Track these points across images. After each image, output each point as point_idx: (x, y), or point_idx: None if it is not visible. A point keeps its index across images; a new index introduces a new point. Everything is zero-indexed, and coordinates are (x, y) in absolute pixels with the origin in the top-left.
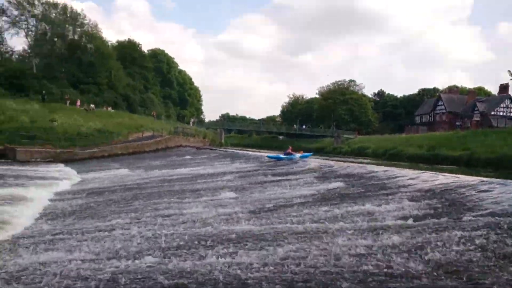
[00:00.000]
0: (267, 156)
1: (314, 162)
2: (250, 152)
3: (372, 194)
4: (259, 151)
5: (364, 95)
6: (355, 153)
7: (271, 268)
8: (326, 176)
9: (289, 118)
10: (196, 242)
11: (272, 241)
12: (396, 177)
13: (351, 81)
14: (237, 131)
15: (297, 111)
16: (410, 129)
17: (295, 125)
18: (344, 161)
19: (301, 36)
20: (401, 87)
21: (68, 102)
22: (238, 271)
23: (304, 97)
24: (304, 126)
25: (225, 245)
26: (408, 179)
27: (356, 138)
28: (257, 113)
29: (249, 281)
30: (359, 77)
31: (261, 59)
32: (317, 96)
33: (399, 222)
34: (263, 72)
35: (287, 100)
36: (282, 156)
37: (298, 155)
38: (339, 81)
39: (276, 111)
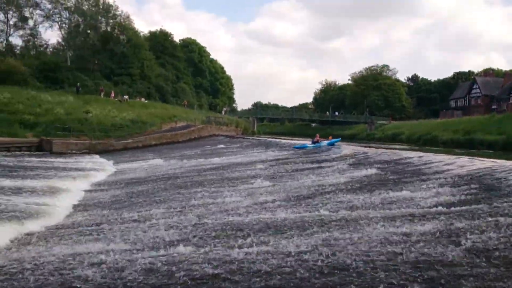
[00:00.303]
0: (294, 147)
1: (347, 149)
2: (283, 140)
3: (408, 181)
4: (292, 139)
5: (398, 80)
6: (388, 139)
7: (307, 256)
8: (360, 163)
9: (321, 105)
10: (231, 231)
11: (307, 229)
12: (431, 162)
13: (384, 66)
14: (270, 120)
15: (329, 97)
16: (445, 113)
17: (327, 112)
18: (378, 148)
19: (332, 22)
20: (435, 71)
21: (102, 93)
22: (274, 260)
23: (337, 83)
24: (336, 113)
25: (260, 234)
26: (444, 165)
27: (390, 124)
28: (289, 100)
29: (285, 269)
30: (392, 61)
31: (292, 45)
32: (349, 82)
33: (436, 208)
34: (295, 59)
35: (319, 87)
36: (308, 144)
37: (325, 142)
38: (371, 66)
39: (308, 98)
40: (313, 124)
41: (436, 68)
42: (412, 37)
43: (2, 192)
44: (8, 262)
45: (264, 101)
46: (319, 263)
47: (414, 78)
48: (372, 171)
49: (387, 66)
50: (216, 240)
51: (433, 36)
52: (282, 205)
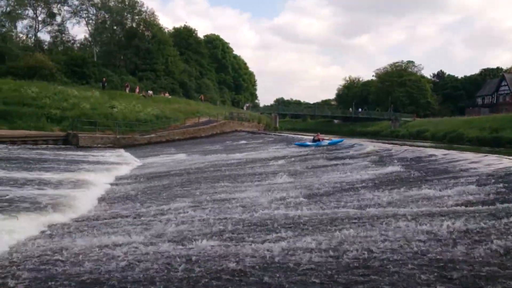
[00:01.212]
0: (295, 144)
1: (370, 145)
2: (305, 137)
3: (432, 178)
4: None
5: (423, 77)
6: (413, 136)
7: (329, 253)
8: (383, 160)
9: (344, 102)
10: (253, 227)
11: (329, 226)
12: (457, 160)
13: (409, 62)
14: (292, 116)
15: (352, 94)
16: (471, 111)
17: (350, 109)
18: (402, 145)
19: (357, 18)
20: (462, 67)
21: (127, 89)
22: (296, 256)
23: (360, 79)
24: (360, 110)
25: (282, 230)
26: (470, 163)
27: (414, 121)
28: (312, 97)
29: (307, 266)
30: (417, 58)
31: (316, 42)
32: (373, 78)
33: (461, 207)
34: (318, 56)
35: (342, 83)
36: (308, 143)
37: (326, 141)
38: (396, 62)
39: (331, 95)
40: (336, 121)
41: (462, 65)
42: (438, 33)
43: (30, 184)
44: (36, 253)
45: (286, 97)
46: (341, 260)
47: (440, 74)
48: (395, 168)
49: (412, 62)
50: (237, 235)
51: (460, 32)
52: (303, 202)
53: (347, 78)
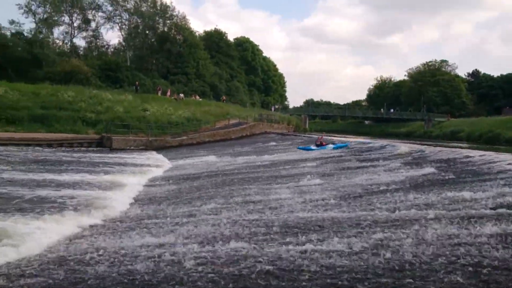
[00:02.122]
0: (298, 148)
1: (403, 147)
2: (335, 138)
3: (468, 180)
4: (345, 137)
5: (457, 76)
6: (447, 137)
7: (360, 256)
8: (416, 161)
9: (376, 102)
10: (283, 229)
11: (360, 229)
12: (493, 162)
13: (442, 61)
14: (322, 117)
15: (384, 94)
16: (509, 111)
17: (382, 109)
18: (436, 146)
19: (389, 16)
20: (498, 66)
21: (159, 92)
22: (326, 259)
23: (392, 79)
24: (392, 110)
25: (312, 232)
26: (507, 164)
27: (448, 121)
28: (342, 98)
29: (337, 269)
30: (451, 57)
31: (347, 42)
32: (405, 78)
33: (498, 210)
34: (349, 56)
35: (373, 83)
36: (313, 147)
37: (331, 145)
38: (429, 61)
39: (362, 95)
40: (367, 122)
41: (499, 63)
42: (473, 30)
43: (66, 185)
44: (71, 252)
45: (316, 99)
46: (372, 263)
47: (475, 73)
48: (429, 170)
49: (446, 61)
50: (268, 237)
51: (496, 29)
52: (333, 204)
53: (379, 78)
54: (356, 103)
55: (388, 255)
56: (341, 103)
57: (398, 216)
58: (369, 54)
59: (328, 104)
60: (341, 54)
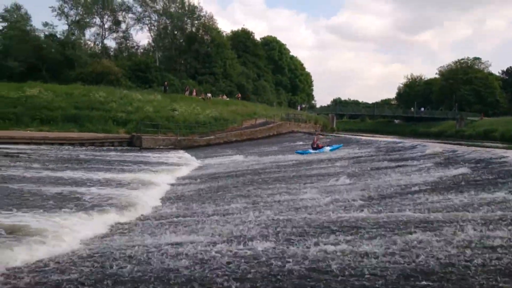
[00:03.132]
0: (295, 152)
1: (434, 146)
2: (364, 137)
3: (503, 181)
4: (374, 136)
5: (491, 74)
6: (480, 136)
7: (390, 258)
8: (448, 161)
9: (405, 101)
10: (309, 229)
11: (390, 230)
12: None
13: (475, 58)
14: (349, 116)
15: (414, 93)
16: None
17: (412, 108)
18: (469, 145)
19: (420, 13)
20: None
21: (187, 92)
22: (354, 260)
23: (423, 77)
24: (422, 109)
25: (340, 232)
26: None
27: (482, 120)
28: (370, 96)
29: (365, 271)
30: (485, 54)
31: (375, 40)
32: (436, 76)
33: None
34: (377, 54)
35: (403, 81)
36: (310, 151)
37: (327, 148)
38: (461, 59)
39: (390, 94)
40: (396, 121)
41: None
42: (508, 27)
43: (97, 183)
44: (102, 249)
45: (343, 97)
46: (402, 266)
47: (510, 71)
48: (462, 170)
49: (479, 58)
50: (294, 237)
51: None
52: (362, 204)
53: (409, 76)
54: (385, 102)
55: (420, 257)
56: (370, 102)
57: (430, 217)
58: (398, 52)
59: (356, 103)
60: (369, 52)
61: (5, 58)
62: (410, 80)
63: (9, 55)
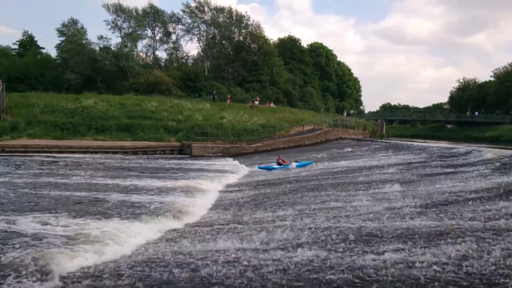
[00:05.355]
0: (258, 167)
1: (491, 152)
2: (415, 143)
3: None
4: (426, 141)
5: None
6: None
7: (445, 267)
8: (507, 167)
9: (458, 105)
10: (360, 237)
11: (445, 238)
12: None
13: None
14: (400, 121)
15: (468, 96)
16: None
17: (468, 112)
18: None
19: (472, 14)
20: None
21: (229, 100)
22: (408, 269)
23: (477, 80)
24: (476, 113)
25: (392, 241)
26: None
27: None
28: (421, 101)
29: (420, 280)
30: None
31: (426, 43)
32: (491, 79)
33: None
34: (429, 57)
35: (455, 85)
36: (275, 166)
37: (294, 164)
38: None
39: (442, 98)
40: (449, 126)
41: None
42: None
43: (151, 191)
44: (156, 256)
45: (393, 102)
46: (459, 275)
47: None
48: None
49: None
50: (346, 245)
51: None
52: (414, 212)
53: (461, 80)
54: (437, 106)
55: (479, 267)
56: (420, 106)
57: (488, 225)
58: (450, 55)
59: (406, 108)
60: (420, 55)
61: (63, 71)
62: (463, 84)
63: (67, 68)
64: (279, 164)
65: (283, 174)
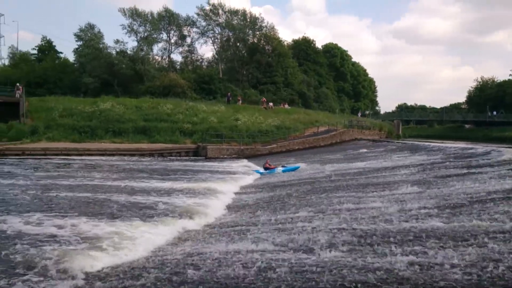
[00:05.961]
0: (252, 171)
1: (509, 153)
2: (432, 144)
3: None
4: (443, 142)
5: None
6: None
7: (463, 269)
8: None
9: (476, 105)
10: (377, 238)
11: (463, 240)
12: None
13: None
14: (416, 122)
15: (486, 96)
16: None
17: (489, 112)
18: None
19: (490, 13)
20: None
21: (239, 102)
22: (425, 271)
23: (495, 79)
24: (495, 113)
25: (409, 242)
26: None
27: None
28: (438, 101)
29: (439, 283)
30: None
31: (443, 42)
32: (511, 78)
33: None
34: (446, 57)
35: (473, 84)
36: (261, 170)
37: (279, 168)
38: None
39: (460, 98)
40: (467, 126)
41: None
42: None
43: (167, 193)
44: (173, 257)
45: (409, 103)
46: (477, 278)
47: None
48: None
49: None
50: (362, 246)
51: None
52: (431, 213)
53: (479, 79)
54: (455, 106)
55: (495, 270)
56: (437, 106)
57: (504, 227)
58: (468, 54)
59: (422, 108)
60: (437, 55)
61: (81, 75)
62: (481, 83)
63: (84, 72)
64: (265, 168)
65: (297, 176)
